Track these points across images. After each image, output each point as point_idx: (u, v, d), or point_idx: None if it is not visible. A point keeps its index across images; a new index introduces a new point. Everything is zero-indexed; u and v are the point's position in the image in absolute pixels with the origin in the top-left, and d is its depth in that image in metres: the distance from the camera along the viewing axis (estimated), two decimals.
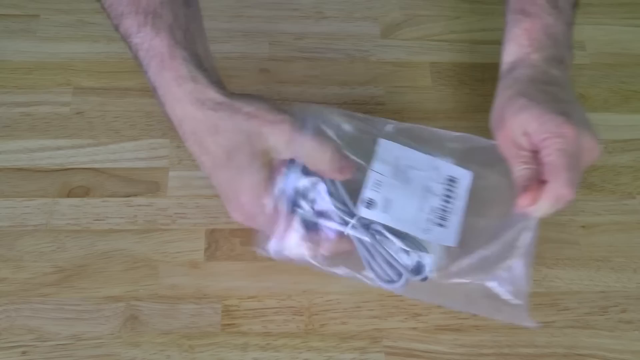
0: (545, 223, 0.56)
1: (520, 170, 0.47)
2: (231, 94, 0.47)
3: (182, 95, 0.46)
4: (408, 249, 0.48)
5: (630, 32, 0.69)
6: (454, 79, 0.65)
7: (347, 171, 0.48)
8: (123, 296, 0.51)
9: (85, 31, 0.65)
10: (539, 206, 0.46)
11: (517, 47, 0.52)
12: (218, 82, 0.48)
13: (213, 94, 0.47)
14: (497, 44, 0.68)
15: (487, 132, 0.62)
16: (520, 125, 0.47)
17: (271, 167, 0.47)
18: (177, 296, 0.52)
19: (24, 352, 0.49)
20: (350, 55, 0.66)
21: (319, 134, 0.47)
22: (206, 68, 0.48)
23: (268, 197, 0.47)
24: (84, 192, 0.56)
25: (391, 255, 0.48)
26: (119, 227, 0.54)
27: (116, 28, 0.49)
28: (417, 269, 0.48)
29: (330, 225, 0.48)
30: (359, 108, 0.62)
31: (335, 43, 0.66)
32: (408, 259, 0.48)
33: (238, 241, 0.54)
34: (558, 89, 0.49)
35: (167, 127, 0.48)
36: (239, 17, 0.68)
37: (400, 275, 0.48)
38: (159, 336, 0.50)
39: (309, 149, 0.47)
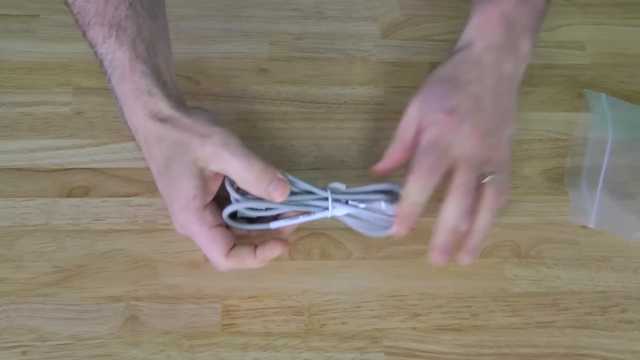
0: (545, 223, 0.57)
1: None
2: (180, 107, 0.48)
3: (138, 107, 0.48)
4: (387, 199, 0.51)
5: (630, 32, 0.69)
6: None
7: (276, 193, 0.48)
8: (123, 296, 0.51)
9: None
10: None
11: (469, 30, 0.53)
12: (173, 96, 0.49)
13: (164, 107, 0.48)
14: None
15: None
16: (418, 111, 0.52)
17: (203, 178, 0.47)
18: (177, 296, 0.52)
19: (24, 352, 0.49)
20: (350, 55, 0.66)
21: (249, 154, 0.47)
22: (164, 81, 0.49)
23: (196, 207, 0.47)
24: (84, 192, 0.56)
25: (380, 211, 0.51)
26: (119, 227, 0.54)
27: (84, 35, 0.51)
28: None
29: (307, 219, 0.50)
30: (359, 108, 0.62)
31: (335, 43, 0.66)
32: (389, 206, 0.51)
33: (238, 241, 0.54)
34: (474, 78, 0.52)
35: None
36: (239, 17, 0.68)
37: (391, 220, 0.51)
38: (159, 336, 0.50)
39: (234, 166, 0.47)
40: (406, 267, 0.54)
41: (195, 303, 0.51)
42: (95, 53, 0.50)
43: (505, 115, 0.52)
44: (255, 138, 0.60)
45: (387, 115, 0.62)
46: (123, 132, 0.59)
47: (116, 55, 0.48)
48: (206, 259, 0.53)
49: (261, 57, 0.65)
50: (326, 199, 0.50)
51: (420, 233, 0.55)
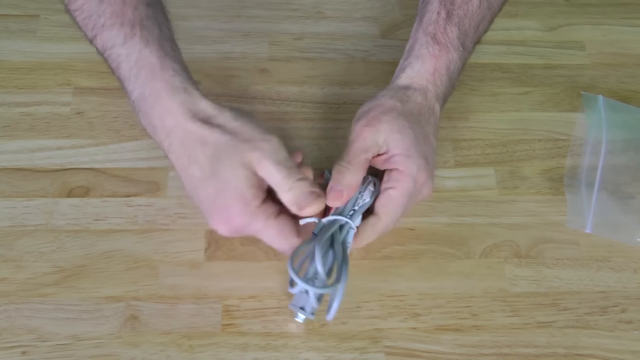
0: (545, 223, 0.57)
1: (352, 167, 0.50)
2: (221, 107, 0.48)
3: (174, 106, 0.47)
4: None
5: (630, 32, 0.69)
6: None
7: (308, 208, 0.47)
8: (123, 296, 0.51)
9: None
10: (364, 237, 0.50)
11: (422, 70, 0.54)
12: (204, 95, 0.49)
13: (204, 106, 0.47)
14: (497, 44, 0.68)
15: (486, 132, 0.62)
16: (388, 141, 0.50)
17: (257, 178, 0.47)
18: (177, 296, 0.52)
19: (24, 352, 0.49)
20: (350, 55, 0.66)
21: (289, 166, 0.47)
22: (194, 80, 0.49)
23: (256, 206, 0.47)
24: (84, 192, 0.56)
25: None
26: (119, 227, 0.54)
27: (91, 40, 0.50)
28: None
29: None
30: (359, 108, 0.62)
31: (335, 43, 0.66)
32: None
33: (238, 241, 0.54)
34: (432, 129, 0.53)
35: None
36: (239, 17, 0.68)
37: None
38: (159, 336, 0.50)
39: (273, 177, 0.47)
40: (406, 267, 0.54)
41: (195, 303, 0.51)
42: (110, 56, 0.49)
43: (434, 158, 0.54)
44: None
45: None
46: (123, 132, 0.59)
47: (143, 54, 0.47)
48: (207, 259, 0.53)
49: (261, 57, 0.65)
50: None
51: (420, 233, 0.55)
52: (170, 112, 0.47)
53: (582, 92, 0.64)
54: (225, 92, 0.62)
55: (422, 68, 0.53)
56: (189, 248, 0.54)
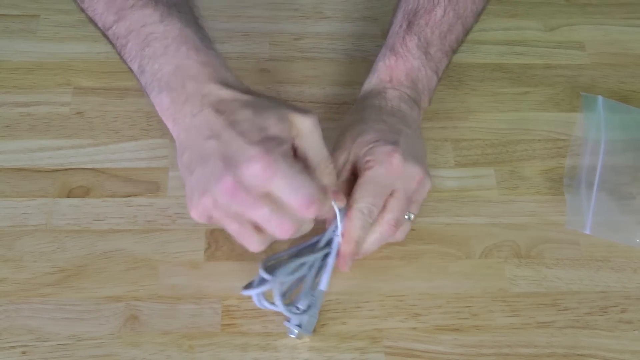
0: (545, 223, 0.57)
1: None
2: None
3: (219, 79, 0.45)
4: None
5: (630, 32, 0.69)
6: (454, 79, 0.65)
7: (337, 197, 0.46)
8: (123, 296, 0.51)
9: (85, 31, 0.65)
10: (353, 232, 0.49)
11: (377, 80, 0.55)
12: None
13: (243, 85, 0.47)
14: (497, 44, 0.68)
15: (486, 132, 0.62)
16: (355, 150, 0.50)
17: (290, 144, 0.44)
18: (177, 296, 0.52)
19: (24, 352, 0.49)
20: (350, 55, 0.66)
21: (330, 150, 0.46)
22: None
23: (285, 148, 0.43)
24: (84, 192, 0.56)
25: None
26: (119, 227, 0.54)
27: (114, 23, 0.48)
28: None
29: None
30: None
31: (335, 43, 0.66)
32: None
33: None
34: (400, 122, 0.53)
35: (167, 127, 0.48)
36: (239, 17, 0.68)
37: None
38: (159, 336, 0.50)
39: (320, 151, 0.45)
40: (406, 267, 0.54)
41: (195, 303, 0.51)
42: (135, 36, 0.47)
43: (425, 154, 0.55)
44: None
45: None
46: (123, 132, 0.59)
47: (183, 33, 0.46)
48: (207, 259, 0.53)
49: (261, 57, 0.65)
50: None
51: (420, 233, 0.55)
52: (208, 82, 0.45)
53: (581, 93, 0.64)
54: None
55: (378, 79, 0.55)
56: (189, 248, 0.54)
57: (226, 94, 0.45)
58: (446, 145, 0.61)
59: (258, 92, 0.46)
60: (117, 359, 0.49)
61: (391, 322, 0.51)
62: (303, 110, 0.45)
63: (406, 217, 0.51)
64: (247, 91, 0.46)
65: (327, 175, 0.46)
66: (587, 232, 0.56)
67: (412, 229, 0.55)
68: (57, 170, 0.57)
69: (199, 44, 0.47)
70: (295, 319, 0.48)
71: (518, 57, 0.67)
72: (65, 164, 0.57)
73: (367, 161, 0.50)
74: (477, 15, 0.58)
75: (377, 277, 0.53)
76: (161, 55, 0.47)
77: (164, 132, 0.59)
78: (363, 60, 0.65)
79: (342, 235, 0.49)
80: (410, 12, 0.55)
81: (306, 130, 0.44)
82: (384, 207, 0.50)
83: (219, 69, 0.47)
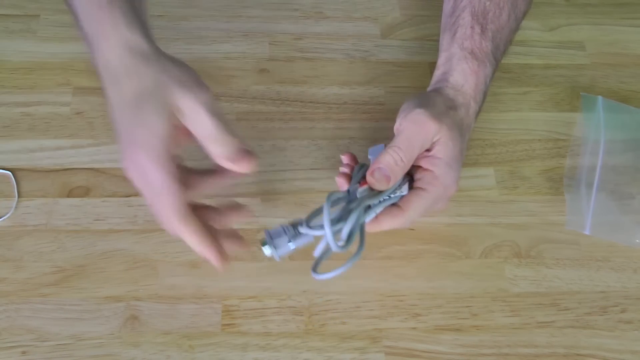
0: (545, 223, 0.57)
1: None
2: (163, 53, 0.47)
3: (115, 40, 0.46)
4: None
5: (630, 32, 0.69)
6: None
7: (242, 163, 0.45)
8: (123, 296, 0.51)
9: None
10: (382, 224, 0.50)
11: (466, 87, 0.53)
12: (151, 37, 0.48)
13: (144, 45, 0.46)
14: None
15: (486, 132, 0.62)
16: (440, 142, 0.50)
17: (174, 126, 0.45)
18: (177, 296, 0.52)
19: (24, 352, 0.49)
20: (350, 55, 0.66)
21: (225, 119, 0.45)
22: (143, 20, 0.48)
23: (162, 149, 0.44)
24: (84, 192, 0.56)
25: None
26: (119, 227, 0.54)
27: None
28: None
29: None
30: (359, 108, 0.62)
31: (335, 43, 0.66)
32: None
33: None
34: (465, 145, 0.53)
35: None
36: (239, 17, 0.68)
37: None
38: (159, 336, 0.50)
39: (206, 126, 0.45)
40: (406, 267, 0.54)
41: (195, 303, 0.51)
42: None
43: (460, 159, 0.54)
44: (255, 138, 0.60)
45: (387, 115, 0.62)
46: None
47: None
48: (204, 260, 0.53)
49: (261, 57, 0.65)
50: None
51: (420, 233, 0.55)
52: (110, 46, 0.46)
53: (581, 93, 0.64)
54: (225, 92, 0.62)
55: (466, 84, 0.53)
56: (189, 248, 0.53)
57: (116, 67, 0.46)
58: None
59: (150, 56, 0.46)
60: (117, 359, 0.49)
61: (391, 322, 0.51)
62: (185, 94, 0.45)
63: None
64: (143, 55, 0.46)
65: (222, 146, 0.45)
66: (587, 232, 0.56)
67: (411, 229, 0.55)
68: (57, 170, 0.57)
69: (105, 1, 0.46)
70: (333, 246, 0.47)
71: (518, 57, 0.67)
72: (65, 164, 0.57)
73: (428, 183, 0.50)
74: (523, 17, 0.58)
75: (377, 277, 0.53)
76: (81, 12, 0.47)
77: None
78: (363, 60, 0.65)
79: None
80: (480, 15, 0.54)
81: (187, 111, 0.44)
82: (431, 175, 0.50)
83: (119, 28, 0.46)
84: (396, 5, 0.69)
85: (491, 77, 0.55)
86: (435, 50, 0.66)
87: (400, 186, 0.50)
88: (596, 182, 0.58)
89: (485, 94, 0.55)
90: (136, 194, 0.56)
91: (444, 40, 0.56)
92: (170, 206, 0.44)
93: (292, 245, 0.48)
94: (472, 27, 0.54)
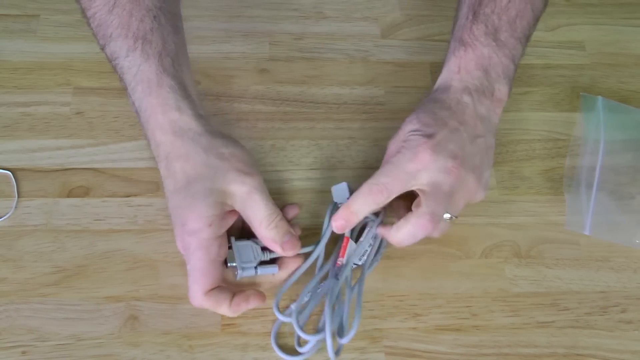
0: (545, 223, 0.57)
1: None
2: (215, 133, 0.48)
3: (166, 123, 0.48)
4: None
5: (630, 32, 0.69)
6: None
7: (289, 249, 0.48)
8: (123, 296, 0.51)
9: (85, 31, 0.64)
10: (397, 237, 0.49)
11: (446, 73, 0.53)
12: (202, 114, 0.49)
13: (195, 126, 0.48)
14: None
15: None
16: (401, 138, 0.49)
17: (223, 209, 0.47)
18: (177, 296, 0.52)
19: (24, 352, 0.49)
20: (350, 55, 0.66)
21: (273, 203, 0.47)
22: (192, 97, 0.49)
23: (207, 235, 0.46)
24: (84, 192, 0.56)
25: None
26: (119, 227, 0.54)
27: (102, 48, 0.50)
28: None
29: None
30: (359, 108, 0.62)
31: (335, 43, 0.66)
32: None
33: None
34: (451, 116, 0.50)
35: None
36: (239, 17, 0.68)
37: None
38: (159, 336, 0.50)
39: (260, 212, 0.47)
40: (406, 267, 0.54)
41: None
42: (116, 66, 0.49)
43: (482, 157, 0.51)
44: (255, 138, 0.60)
45: (387, 115, 0.62)
46: (123, 132, 0.59)
47: (142, 69, 0.48)
48: None
49: (261, 57, 0.65)
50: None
51: None
52: (161, 128, 0.48)
53: (581, 93, 0.64)
54: (225, 92, 0.62)
55: (447, 71, 0.53)
56: None
57: (167, 152, 0.48)
58: None
59: (206, 138, 0.48)
60: (117, 359, 0.49)
61: (391, 322, 0.51)
62: (239, 179, 0.46)
63: (446, 216, 0.49)
64: (193, 137, 0.47)
65: (271, 230, 0.47)
66: (587, 232, 0.56)
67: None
68: (57, 170, 0.57)
69: (154, 82, 0.48)
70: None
71: None
72: (65, 164, 0.57)
73: (400, 147, 0.49)
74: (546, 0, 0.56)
75: (377, 277, 0.53)
76: (131, 89, 0.49)
77: None
78: (363, 60, 0.65)
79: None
80: (475, 3, 0.53)
81: (240, 197, 0.46)
82: (419, 201, 0.48)
83: (169, 110, 0.48)
84: (396, 5, 0.69)
85: (495, 58, 0.52)
86: (435, 50, 0.66)
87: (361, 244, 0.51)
88: (596, 182, 0.58)
89: (488, 72, 0.52)
90: (136, 194, 0.56)
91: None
92: (198, 283, 0.46)
93: (258, 272, 0.49)
94: (466, 17, 0.53)
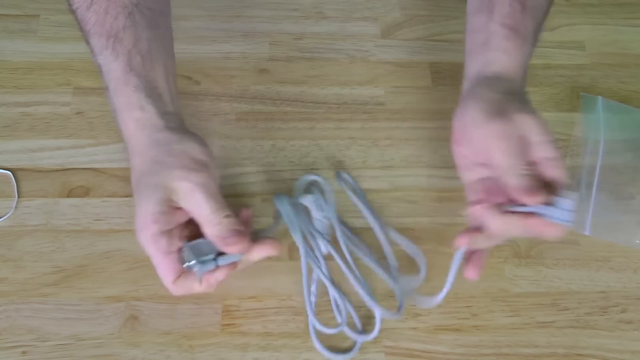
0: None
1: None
2: (173, 129, 0.48)
3: (130, 121, 0.48)
4: None
5: (630, 32, 0.69)
6: (454, 79, 0.65)
7: (233, 245, 0.46)
8: (123, 296, 0.51)
9: None
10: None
11: (510, 65, 0.49)
12: (169, 112, 0.49)
13: (157, 123, 0.48)
14: None
15: None
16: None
17: (169, 206, 0.46)
18: (177, 296, 0.51)
19: (24, 352, 0.49)
20: (350, 55, 0.66)
21: (221, 200, 0.46)
22: (160, 94, 0.49)
23: (153, 231, 0.45)
24: (84, 192, 0.56)
25: None
26: (119, 227, 0.54)
27: (86, 43, 0.50)
28: None
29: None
30: (359, 108, 0.62)
31: (335, 43, 0.66)
32: None
33: None
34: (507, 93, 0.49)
35: None
36: (239, 17, 0.68)
37: None
38: (159, 336, 0.50)
39: (202, 209, 0.46)
40: (406, 267, 0.54)
41: (195, 303, 0.51)
42: (95, 62, 0.50)
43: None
44: (255, 138, 0.60)
45: (387, 115, 0.62)
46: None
47: (112, 67, 0.48)
48: None
49: (261, 57, 0.65)
50: None
51: (420, 233, 0.55)
52: (126, 124, 0.48)
53: (581, 93, 0.64)
54: (225, 92, 0.62)
55: (510, 62, 0.49)
56: None
57: (131, 148, 0.48)
58: (446, 146, 0.60)
59: (159, 135, 0.47)
60: (117, 359, 0.49)
61: (391, 322, 0.51)
62: (183, 175, 0.46)
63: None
64: (152, 135, 0.47)
65: (213, 227, 0.46)
66: (587, 232, 0.56)
67: (412, 229, 0.55)
68: (57, 170, 0.57)
69: (121, 81, 0.48)
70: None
71: None
72: (65, 164, 0.57)
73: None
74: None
75: (377, 277, 0.53)
76: (107, 86, 0.49)
77: None
78: (363, 60, 0.65)
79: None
80: None
81: (184, 193, 0.46)
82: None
83: (132, 109, 0.48)
84: (396, 5, 0.69)
85: (530, 57, 0.51)
86: (435, 50, 0.66)
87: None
88: (596, 182, 0.58)
89: (526, 71, 0.50)
90: None
91: (479, 20, 0.51)
92: (162, 277, 0.46)
93: (219, 262, 0.47)
94: (510, 5, 0.49)
